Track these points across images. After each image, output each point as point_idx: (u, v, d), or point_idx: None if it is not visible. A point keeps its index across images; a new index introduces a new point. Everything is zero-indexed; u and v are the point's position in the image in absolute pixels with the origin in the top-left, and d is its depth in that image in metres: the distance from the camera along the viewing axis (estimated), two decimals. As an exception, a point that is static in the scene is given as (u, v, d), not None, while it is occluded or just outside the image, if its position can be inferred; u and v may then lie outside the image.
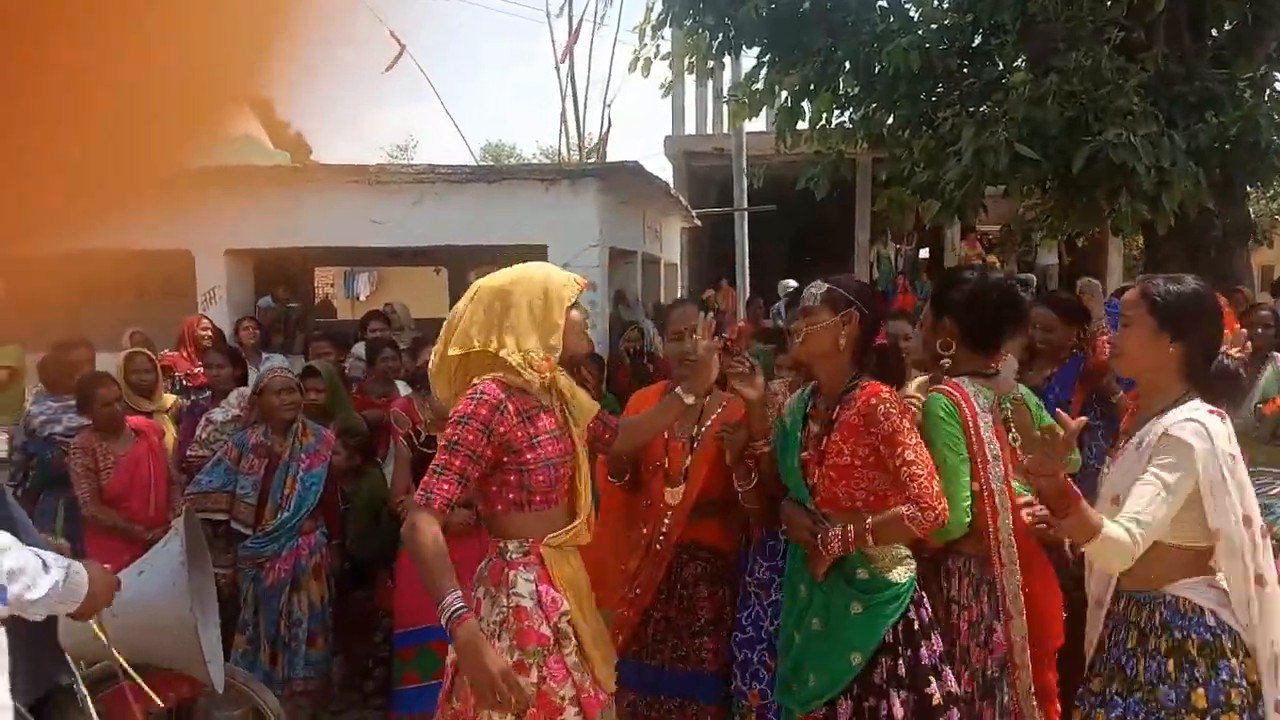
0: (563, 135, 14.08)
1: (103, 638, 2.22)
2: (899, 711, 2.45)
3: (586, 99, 14.45)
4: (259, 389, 4.34)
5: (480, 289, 2.42)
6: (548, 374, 2.38)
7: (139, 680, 2.21)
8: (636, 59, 7.28)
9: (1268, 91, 5.81)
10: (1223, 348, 2.42)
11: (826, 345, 2.58)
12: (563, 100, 13.47)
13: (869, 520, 2.48)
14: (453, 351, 2.38)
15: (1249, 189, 6.15)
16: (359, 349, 6.39)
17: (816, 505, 2.61)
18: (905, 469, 2.42)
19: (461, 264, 11.64)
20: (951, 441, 2.58)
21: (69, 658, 2.12)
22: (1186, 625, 2.22)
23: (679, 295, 13.33)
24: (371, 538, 4.70)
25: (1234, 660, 2.18)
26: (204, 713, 4.39)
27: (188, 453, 4.68)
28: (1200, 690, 2.17)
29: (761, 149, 11.70)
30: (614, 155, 17.34)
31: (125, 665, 2.17)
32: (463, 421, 2.24)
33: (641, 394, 3.43)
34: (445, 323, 2.45)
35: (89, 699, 1.77)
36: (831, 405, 2.61)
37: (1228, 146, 5.43)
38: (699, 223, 12.67)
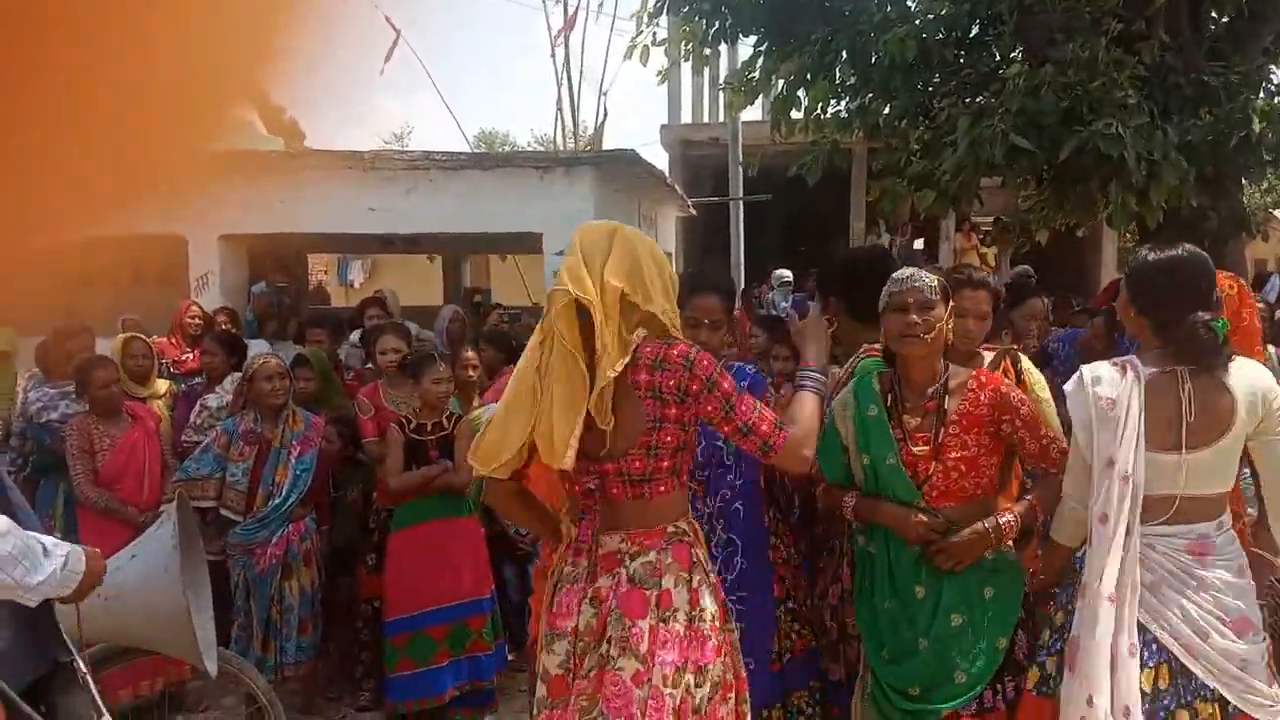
0: (558, 124, 14.04)
1: (76, 621, 2.20)
2: (1051, 671, 2.48)
3: (581, 87, 14.40)
4: (248, 375, 4.35)
5: (620, 232, 2.18)
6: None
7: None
8: (634, 46, 7.25)
9: (1262, 85, 5.81)
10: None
11: (943, 338, 2.60)
12: (558, 88, 13.43)
13: (1029, 499, 2.61)
14: (615, 281, 2.09)
15: (1242, 183, 6.15)
16: (355, 336, 6.39)
17: (931, 501, 2.55)
18: (1053, 443, 2.56)
19: (455, 252, 11.62)
20: None
21: (67, 638, 2.12)
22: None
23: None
24: (359, 526, 4.72)
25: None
26: (195, 697, 4.42)
27: (183, 438, 4.68)
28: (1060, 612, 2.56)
29: (757, 138, 11.68)
30: (610, 144, 17.29)
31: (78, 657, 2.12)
32: (720, 371, 2.16)
33: None
34: (574, 255, 2.15)
35: (89, 677, 1.77)
36: (931, 396, 2.58)
37: (1220, 141, 5.44)
38: (694, 212, 12.66)
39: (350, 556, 4.67)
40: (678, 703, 2.05)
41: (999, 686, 2.54)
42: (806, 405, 2.25)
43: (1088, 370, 2.49)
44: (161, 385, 5.09)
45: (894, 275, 2.64)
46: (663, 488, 2.16)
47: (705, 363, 2.12)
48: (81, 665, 1.99)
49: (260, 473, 4.25)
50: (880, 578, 2.65)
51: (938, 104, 6.30)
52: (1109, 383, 2.43)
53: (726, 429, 2.16)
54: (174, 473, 4.32)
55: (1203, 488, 2.41)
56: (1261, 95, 5.69)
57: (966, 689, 2.52)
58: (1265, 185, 8.52)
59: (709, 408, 2.13)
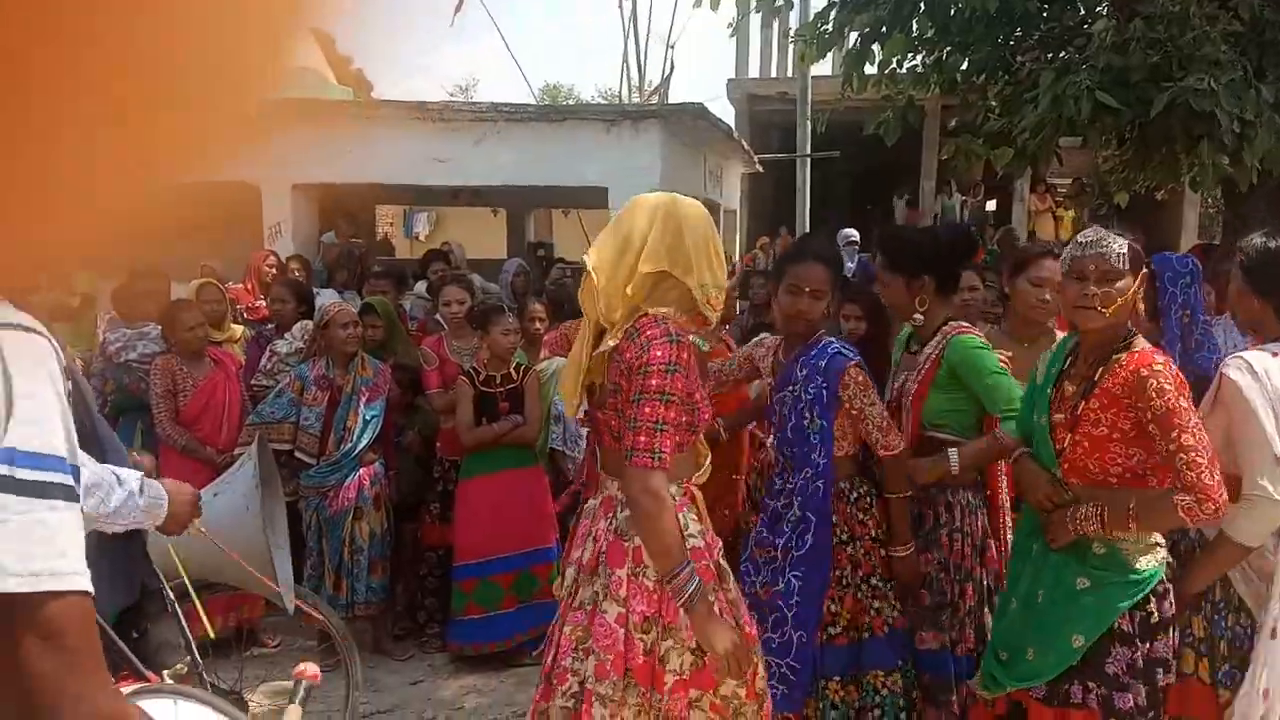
0: (624, 77, 13.91)
1: (175, 557, 2.30)
2: (1141, 701, 2.36)
3: (649, 39, 14.23)
4: (323, 322, 4.43)
5: (659, 207, 2.21)
6: (718, 314, 2.28)
7: (198, 603, 2.26)
8: (704, -4, 7.10)
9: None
10: None
11: (1130, 311, 2.39)
12: (625, 41, 13.27)
13: (1131, 503, 2.31)
14: (646, 268, 2.14)
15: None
16: (420, 287, 6.47)
17: (1063, 473, 2.46)
18: (1182, 454, 2.21)
19: (520, 205, 11.64)
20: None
21: (156, 568, 2.20)
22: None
23: (743, 242, 13.19)
24: (418, 473, 4.81)
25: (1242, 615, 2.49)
26: (269, 633, 4.58)
27: (252, 382, 4.80)
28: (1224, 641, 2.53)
29: (826, 94, 11.45)
30: (675, 98, 17.10)
31: (189, 585, 2.23)
32: (671, 369, 2.09)
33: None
34: (613, 237, 2.21)
35: (177, 604, 1.84)
36: (1095, 366, 2.42)
37: (1318, 100, 5.19)
38: (760, 168, 12.48)
39: (413, 502, 4.77)
40: (648, 647, 2.18)
41: (1089, 685, 2.40)
42: (675, 533, 2.12)
43: (1254, 360, 2.39)
44: (237, 330, 5.22)
45: (1078, 238, 2.45)
46: (642, 437, 2.14)
47: (659, 352, 2.10)
48: (170, 594, 2.07)
49: (332, 418, 4.35)
50: (1020, 532, 2.68)
51: (1019, 59, 6.10)
52: (1277, 371, 2.37)
53: (624, 413, 2.16)
54: (249, 416, 4.43)
55: None
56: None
57: (1032, 672, 2.46)
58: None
59: (630, 386, 2.13)
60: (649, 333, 2.13)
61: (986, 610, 2.97)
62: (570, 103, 26.78)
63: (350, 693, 3.22)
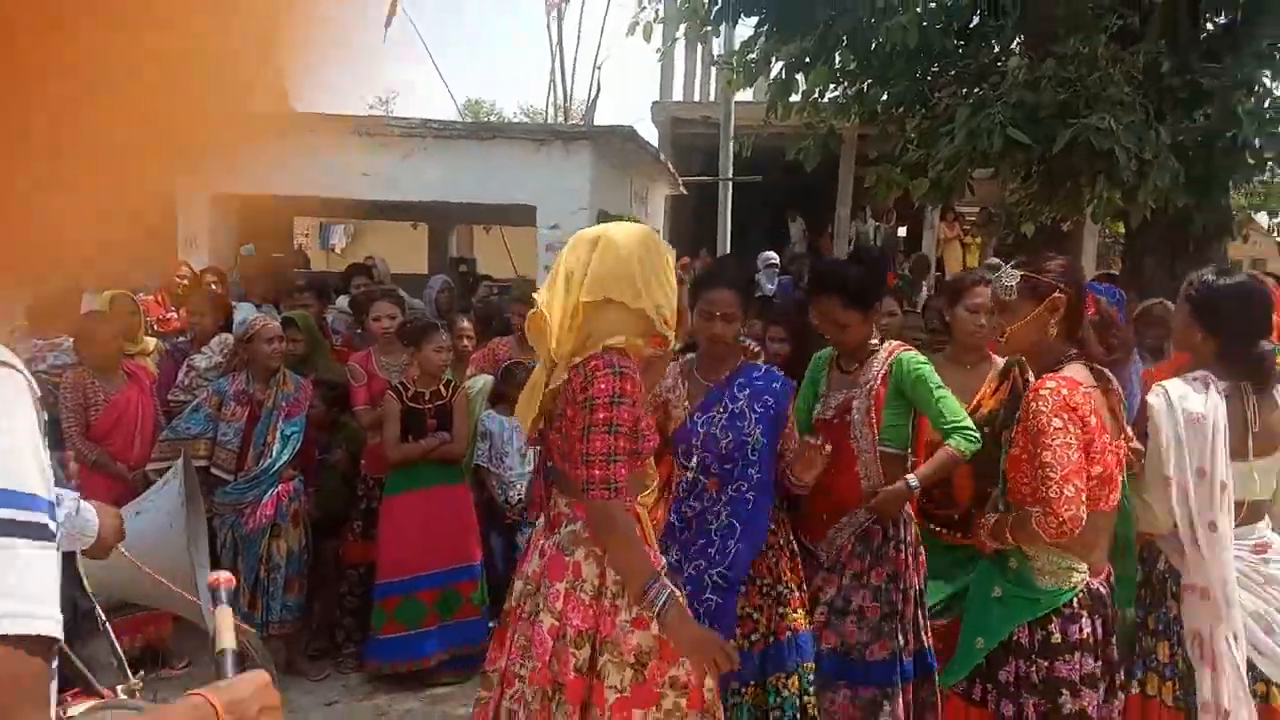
0: (550, 96, 13.95)
1: (84, 577, 2.22)
2: (1031, 716, 2.46)
3: (576, 60, 14.32)
4: (247, 336, 4.34)
5: (597, 239, 2.28)
6: (672, 335, 2.33)
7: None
8: (635, 23, 7.21)
9: (1254, 91, 5.88)
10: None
11: (1033, 337, 2.50)
12: (552, 60, 13.32)
13: (1009, 518, 2.47)
14: (585, 298, 2.21)
15: (1229, 186, 6.24)
16: (342, 302, 6.37)
17: (1008, 496, 2.57)
18: (1040, 470, 2.34)
19: (443, 221, 11.55)
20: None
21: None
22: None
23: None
24: (343, 490, 4.74)
25: (1172, 604, 2.64)
26: (175, 653, 4.42)
27: (169, 396, 4.67)
28: (1153, 617, 2.69)
29: (748, 119, 11.66)
30: (599, 120, 17.21)
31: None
32: (617, 401, 2.15)
33: None
34: (556, 273, 2.30)
35: (108, 623, 1.78)
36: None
37: (1209, 143, 5.52)
38: (684, 190, 12.63)
39: (335, 520, 4.69)
40: (579, 663, 2.21)
41: (987, 688, 2.55)
42: (643, 554, 2.23)
43: (1173, 388, 2.60)
44: (150, 343, 5.06)
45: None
46: (576, 472, 2.21)
47: (603, 385, 2.15)
48: (101, 613, 2.00)
49: (251, 433, 4.26)
50: None
51: (937, 94, 6.33)
52: (1195, 399, 2.57)
53: (572, 443, 2.21)
54: (163, 431, 4.31)
55: (1264, 493, 2.65)
56: (1252, 100, 5.76)
57: (951, 670, 2.65)
58: (1247, 189, 8.65)
59: (577, 420, 2.18)
60: (592, 365, 2.19)
61: (920, 613, 3.06)
62: (493, 119, 26.69)
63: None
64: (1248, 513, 2.62)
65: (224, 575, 1.46)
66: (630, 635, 2.24)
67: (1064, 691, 2.43)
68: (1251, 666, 2.55)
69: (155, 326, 5.81)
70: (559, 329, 2.24)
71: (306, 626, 4.56)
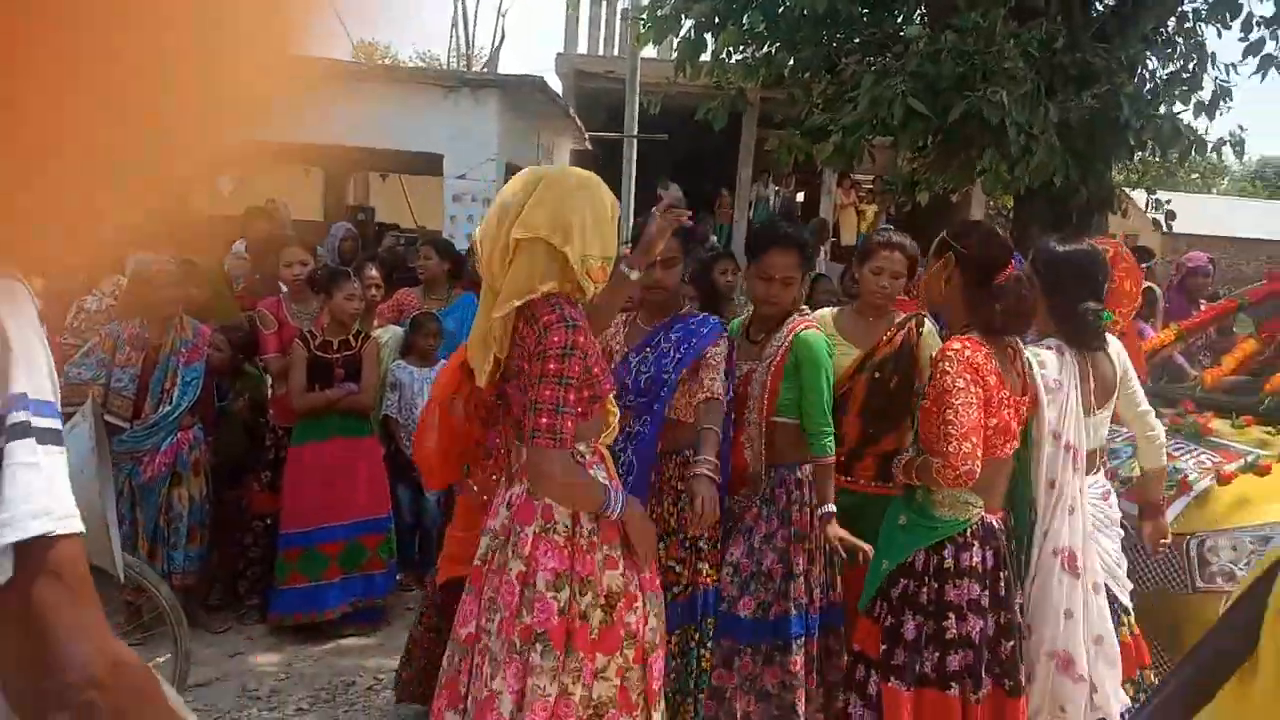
0: (452, 42, 13.59)
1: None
2: (909, 633, 2.67)
3: (479, 6, 13.96)
4: (141, 280, 4.17)
5: (541, 177, 2.26)
6: (600, 285, 2.30)
7: None
8: (545, -29, 7.12)
9: (1137, 71, 6.22)
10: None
11: (933, 290, 2.80)
12: (454, 4, 12.96)
13: (917, 460, 2.69)
14: (517, 234, 2.18)
15: (1110, 163, 6.60)
16: (239, 246, 6.17)
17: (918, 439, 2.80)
18: (943, 426, 2.55)
19: (341, 166, 11.22)
20: None
21: None
22: None
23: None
24: (244, 438, 4.64)
25: None
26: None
27: (59, 340, 4.46)
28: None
29: (653, 76, 11.65)
30: (502, 70, 16.89)
31: None
32: (567, 353, 2.14)
33: None
34: (496, 205, 2.29)
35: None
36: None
37: (1093, 121, 5.82)
38: (590, 146, 12.57)
39: (235, 469, 4.59)
40: (563, 605, 2.20)
41: (882, 605, 2.76)
42: (592, 484, 2.27)
43: (1031, 354, 2.80)
44: (37, 284, 4.81)
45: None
46: (544, 419, 2.19)
47: (556, 338, 2.15)
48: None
49: (149, 380, 4.12)
50: None
51: (842, 60, 6.48)
52: (1052, 365, 2.81)
53: (526, 395, 2.23)
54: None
55: (1100, 441, 2.93)
56: (1133, 82, 6.09)
57: (864, 590, 2.86)
58: (1126, 167, 9.17)
59: (533, 370, 2.19)
60: (545, 318, 2.18)
61: (828, 571, 3.13)
62: (386, 63, 25.83)
63: (179, 663, 3.11)
64: (1093, 462, 2.92)
65: None
66: (603, 576, 2.26)
67: (950, 615, 2.64)
68: (1112, 600, 2.84)
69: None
70: (490, 261, 2.23)
71: (207, 577, 4.48)
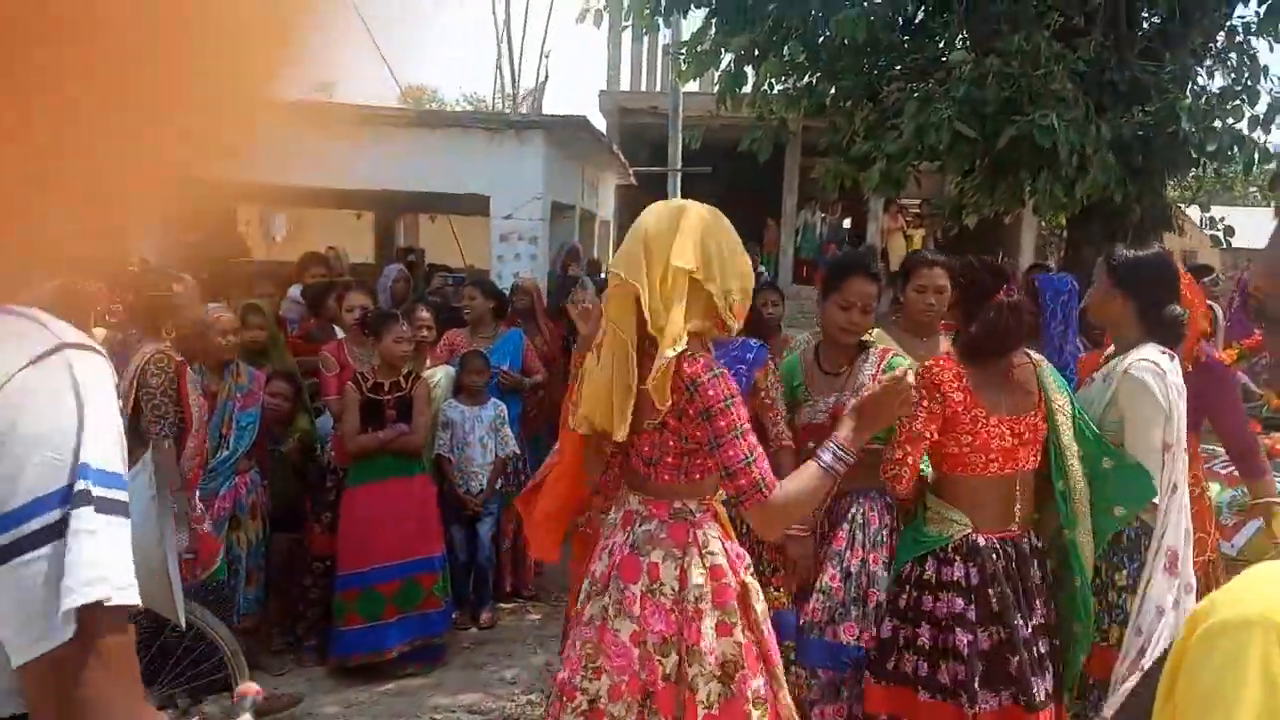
0: (498, 82, 13.84)
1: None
2: (885, 633, 2.81)
3: (524, 47, 14.22)
4: (199, 327, 4.27)
5: (688, 206, 2.17)
6: (738, 323, 2.19)
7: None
8: (586, 10, 7.22)
9: (1189, 85, 6.10)
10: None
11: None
12: (498, 46, 13.22)
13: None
14: (678, 263, 2.05)
15: (1167, 179, 6.47)
16: (295, 291, 6.30)
17: None
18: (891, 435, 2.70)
19: (390, 210, 11.42)
20: None
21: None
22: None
23: (614, 252, 13.34)
24: (296, 482, 4.70)
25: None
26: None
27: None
28: (1124, 573, 2.80)
29: (695, 109, 11.72)
30: (546, 108, 17.13)
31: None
32: (729, 404, 2.03)
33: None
34: (636, 245, 2.14)
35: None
36: None
37: (1149, 137, 5.71)
38: (634, 181, 12.67)
39: (289, 512, 4.65)
40: (668, 671, 2.10)
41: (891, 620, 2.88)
42: (808, 481, 2.09)
43: (1161, 362, 2.73)
44: (99, 333, 4.96)
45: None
46: (666, 476, 2.14)
47: (712, 391, 2.03)
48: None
49: (208, 426, 4.20)
50: None
51: (884, 87, 6.45)
52: (1173, 370, 2.75)
53: (710, 462, 2.11)
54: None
55: None
56: (1189, 95, 5.98)
57: None
58: (1180, 183, 9.00)
59: (699, 434, 2.08)
60: (689, 371, 2.05)
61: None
62: (434, 106, 26.39)
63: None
64: None
65: (253, 686, 1.53)
66: (715, 644, 2.12)
67: (924, 624, 2.73)
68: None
69: (106, 317, 5.68)
70: (654, 299, 2.07)
71: (266, 621, 4.53)
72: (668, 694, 2.10)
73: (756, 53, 6.88)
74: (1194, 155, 5.88)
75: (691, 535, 2.19)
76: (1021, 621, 2.68)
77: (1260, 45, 6.86)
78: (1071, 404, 2.78)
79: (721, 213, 2.23)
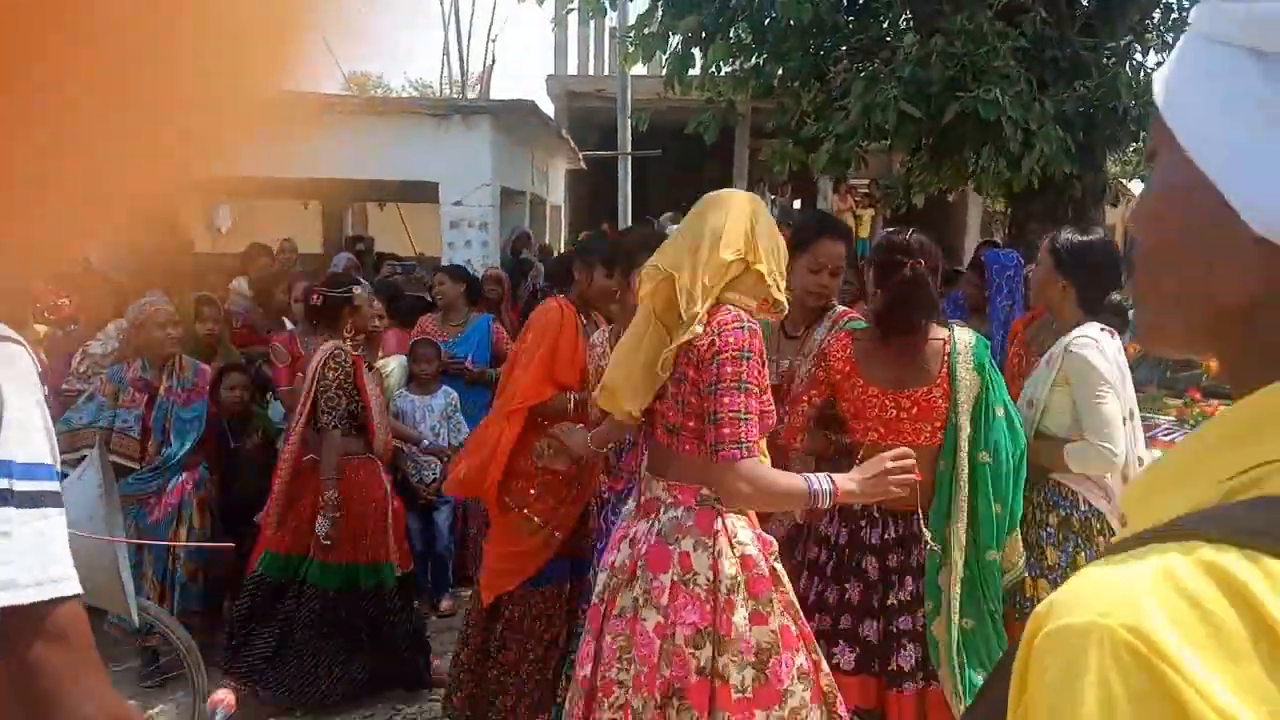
0: (444, 68, 13.67)
1: None
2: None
3: (471, 32, 14.06)
4: (138, 322, 4.18)
5: (727, 196, 2.19)
6: (786, 302, 2.19)
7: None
8: (530, -8, 7.16)
9: (1129, 61, 6.23)
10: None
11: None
12: (445, 32, 13.06)
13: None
14: (727, 256, 2.05)
15: (1108, 153, 6.60)
16: (240, 284, 6.20)
17: None
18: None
19: (337, 199, 11.26)
20: None
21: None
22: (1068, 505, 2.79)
23: (567, 237, 13.28)
24: (258, 478, 4.62)
25: (1101, 540, 2.74)
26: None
27: (63, 386, 4.47)
28: (1083, 555, 2.75)
29: (644, 93, 11.70)
30: (493, 94, 16.98)
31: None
32: (745, 355, 1.99)
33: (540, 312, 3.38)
34: (685, 234, 2.15)
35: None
36: None
37: (1091, 112, 5.82)
38: (584, 165, 12.63)
39: (250, 509, 4.56)
40: (702, 664, 2.05)
41: None
42: (790, 481, 2.05)
43: (1101, 339, 2.75)
44: (40, 330, 4.84)
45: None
46: (687, 446, 2.08)
47: (732, 339, 2.01)
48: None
49: (149, 421, 4.13)
50: None
51: (831, 68, 6.50)
52: (1114, 347, 2.79)
53: (699, 403, 2.06)
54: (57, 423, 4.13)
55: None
56: (1129, 70, 6.10)
57: None
58: (1124, 156, 9.18)
59: (704, 376, 2.03)
60: (719, 319, 2.04)
61: None
62: (380, 93, 25.99)
63: (197, 704, 3.10)
64: None
65: (228, 698, 1.52)
66: (749, 633, 2.07)
67: (804, 571, 2.78)
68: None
69: (46, 314, 5.55)
70: (694, 287, 2.06)
71: (222, 618, 4.45)
72: (700, 688, 2.05)
73: (704, 35, 6.89)
74: (1134, 130, 6.00)
75: (720, 524, 2.12)
76: (881, 591, 2.63)
77: (1195, 22, 7.00)
78: (987, 389, 2.63)
79: (761, 203, 2.26)
